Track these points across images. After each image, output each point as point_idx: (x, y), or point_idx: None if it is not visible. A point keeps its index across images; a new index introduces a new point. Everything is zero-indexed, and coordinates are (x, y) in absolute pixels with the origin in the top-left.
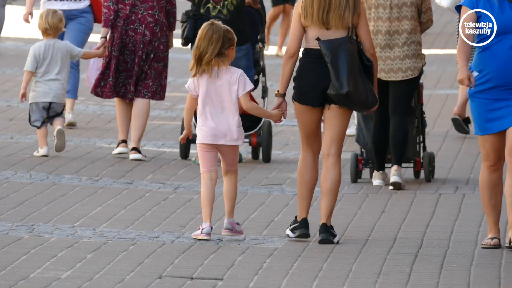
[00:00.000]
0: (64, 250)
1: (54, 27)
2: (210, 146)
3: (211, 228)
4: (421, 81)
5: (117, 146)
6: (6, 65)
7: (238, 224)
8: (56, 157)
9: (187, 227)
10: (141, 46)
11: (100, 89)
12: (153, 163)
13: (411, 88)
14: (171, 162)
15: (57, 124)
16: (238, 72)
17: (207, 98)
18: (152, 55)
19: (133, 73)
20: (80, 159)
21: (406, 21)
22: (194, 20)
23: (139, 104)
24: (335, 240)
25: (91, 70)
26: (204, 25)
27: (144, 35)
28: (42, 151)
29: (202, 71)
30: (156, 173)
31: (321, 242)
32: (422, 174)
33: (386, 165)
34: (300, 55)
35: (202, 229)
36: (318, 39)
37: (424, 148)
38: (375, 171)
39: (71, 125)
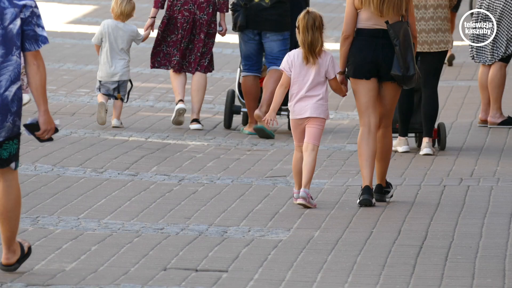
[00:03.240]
0: (68, 242)
1: (126, 14)
2: (301, 122)
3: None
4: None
5: (176, 104)
6: None
7: (312, 198)
8: (61, 149)
9: (191, 219)
10: (192, 24)
11: (160, 62)
12: (157, 155)
13: (442, 61)
14: (175, 154)
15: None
16: (328, 55)
17: (299, 77)
18: (205, 33)
19: (196, 49)
20: (84, 151)
21: None
22: (245, 8)
23: (197, 78)
24: (389, 195)
25: None
26: (308, 14)
27: (197, 14)
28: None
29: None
30: (161, 165)
31: (376, 200)
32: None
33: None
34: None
35: (296, 195)
36: (387, 22)
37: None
38: (399, 137)
39: None
